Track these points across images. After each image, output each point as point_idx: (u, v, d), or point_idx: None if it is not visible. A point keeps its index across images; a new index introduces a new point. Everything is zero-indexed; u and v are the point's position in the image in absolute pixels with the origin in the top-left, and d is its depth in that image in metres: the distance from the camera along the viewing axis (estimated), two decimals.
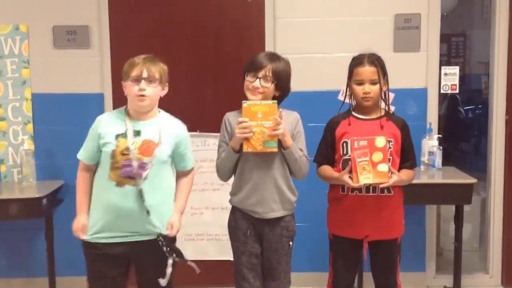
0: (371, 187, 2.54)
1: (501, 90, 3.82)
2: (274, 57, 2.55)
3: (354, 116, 2.68)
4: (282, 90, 2.56)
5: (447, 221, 4.28)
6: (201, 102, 3.76)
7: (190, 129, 3.61)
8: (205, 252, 3.76)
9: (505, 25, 3.77)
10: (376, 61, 2.62)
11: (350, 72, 2.66)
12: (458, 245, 3.66)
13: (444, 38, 3.89)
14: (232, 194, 2.64)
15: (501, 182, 3.88)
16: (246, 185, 2.55)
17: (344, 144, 2.61)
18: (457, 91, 3.89)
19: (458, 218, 3.65)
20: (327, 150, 2.69)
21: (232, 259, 2.68)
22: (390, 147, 2.53)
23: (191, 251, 3.73)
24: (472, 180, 3.46)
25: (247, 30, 3.72)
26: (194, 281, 3.79)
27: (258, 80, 2.48)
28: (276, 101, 2.48)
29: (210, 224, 3.74)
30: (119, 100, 3.08)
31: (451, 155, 4.81)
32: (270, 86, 2.50)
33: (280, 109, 2.51)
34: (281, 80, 2.53)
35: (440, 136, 3.76)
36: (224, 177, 2.64)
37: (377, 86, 2.60)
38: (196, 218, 3.75)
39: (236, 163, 2.56)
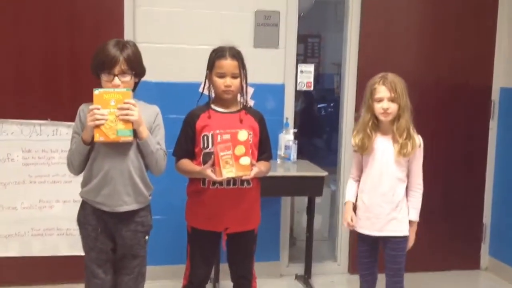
0: (231, 180, 2.55)
1: (351, 89, 4.03)
2: (122, 46, 2.37)
3: (213, 109, 2.68)
4: (139, 75, 2.47)
5: (300, 212, 4.46)
6: (53, 89, 3.53)
7: (41, 117, 3.45)
8: (56, 248, 3.55)
9: (356, 29, 3.97)
10: (237, 54, 2.64)
11: (211, 64, 2.65)
12: (310, 235, 3.83)
13: (301, 38, 4.03)
14: (83, 185, 2.47)
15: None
16: (97, 175, 2.39)
17: (205, 137, 2.59)
18: (312, 88, 4.05)
19: (310, 209, 3.81)
20: (187, 143, 2.66)
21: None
22: (250, 140, 2.55)
23: (40, 247, 3.51)
24: (323, 173, 3.60)
25: (105, 17, 3.55)
26: (46, 278, 3.61)
27: (116, 78, 2.33)
28: (130, 88, 2.36)
29: (61, 218, 3.54)
30: None
31: (305, 150, 5.01)
32: (129, 79, 2.38)
33: (140, 101, 2.44)
34: (136, 67, 2.41)
35: (296, 130, 3.88)
36: (75, 170, 2.46)
37: (238, 79, 2.62)
38: (46, 212, 3.52)
39: (89, 155, 2.39)
